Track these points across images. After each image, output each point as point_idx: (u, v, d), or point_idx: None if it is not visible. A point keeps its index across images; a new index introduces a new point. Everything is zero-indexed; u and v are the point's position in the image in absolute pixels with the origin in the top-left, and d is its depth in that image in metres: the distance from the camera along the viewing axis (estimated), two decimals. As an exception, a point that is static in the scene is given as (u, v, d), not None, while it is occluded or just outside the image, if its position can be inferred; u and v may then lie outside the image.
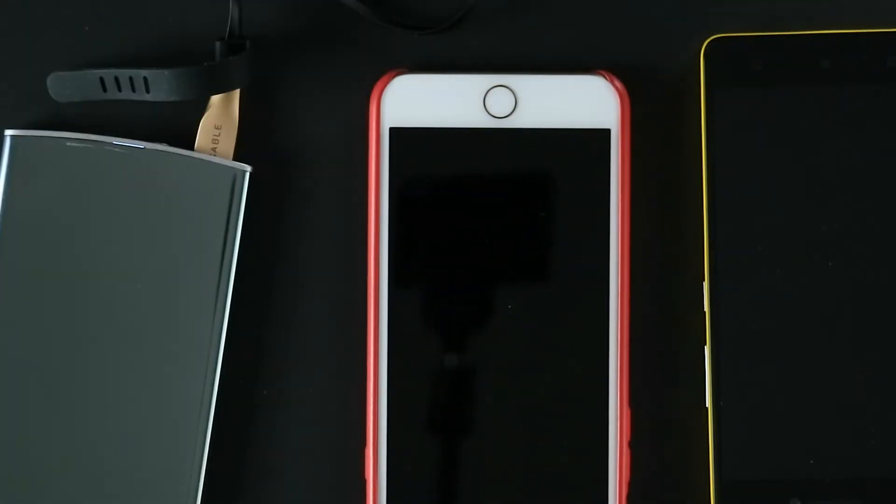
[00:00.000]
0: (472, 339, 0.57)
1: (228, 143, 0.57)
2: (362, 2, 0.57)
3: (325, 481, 0.59)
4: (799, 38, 0.57)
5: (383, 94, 0.57)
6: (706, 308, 0.57)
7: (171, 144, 0.57)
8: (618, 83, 0.57)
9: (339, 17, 0.59)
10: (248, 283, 0.58)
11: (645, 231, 0.58)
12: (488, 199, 0.57)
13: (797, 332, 0.57)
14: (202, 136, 0.57)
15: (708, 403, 0.57)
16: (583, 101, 0.57)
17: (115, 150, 0.57)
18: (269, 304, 0.59)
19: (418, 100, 0.57)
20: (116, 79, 0.57)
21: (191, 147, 0.57)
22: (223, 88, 0.57)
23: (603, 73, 0.57)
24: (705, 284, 0.57)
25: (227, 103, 0.57)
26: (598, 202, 0.57)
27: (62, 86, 0.57)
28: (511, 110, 0.57)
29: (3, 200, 0.57)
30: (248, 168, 0.57)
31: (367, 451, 0.57)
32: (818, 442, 0.56)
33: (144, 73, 0.56)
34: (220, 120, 0.57)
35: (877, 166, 0.57)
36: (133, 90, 0.57)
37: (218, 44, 0.57)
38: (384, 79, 0.57)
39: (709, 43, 0.58)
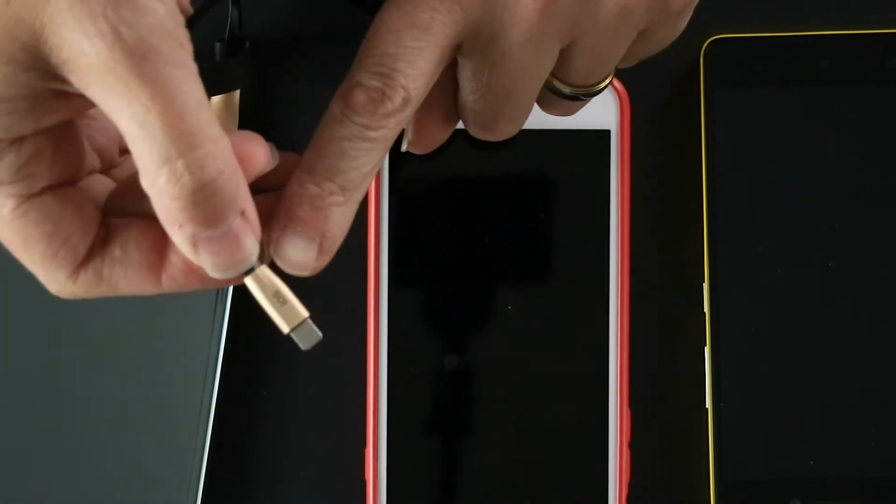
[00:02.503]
0: (471, 340, 0.57)
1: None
2: (365, 3, 0.57)
3: (325, 481, 0.59)
4: (799, 39, 0.57)
5: (383, 94, 0.57)
6: (706, 308, 0.57)
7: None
8: (618, 83, 0.57)
9: (339, 18, 0.59)
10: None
11: (645, 231, 0.58)
12: (488, 199, 0.57)
13: (797, 333, 0.57)
14: (202, 137, 0.57)
15: (708, 404, 0.57)
16: (583, 102, 0.57)
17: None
18: (269, 304, 0.59)
19: (418, 100, 0.57)
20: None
21: (191, 147, 0.57)
22: (223, 89, 0.56)
23: (603, 73, 0.57)
24: (705, 285, 0.57)
25: (227, 103, 0.57)
26: (598, 202, 0.57)
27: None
28: (511, 110, 0.57)
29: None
30: (248, 168, 0.57)
31: (367, 451, 0.57)
32: (818, 442, 0.56)
33: (144, 73, 0.56)
34: (220, 120, 0.57)
35: (877, 166, 0.57)
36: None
37: (218, 45, 0.57)
38: (384, 79, 0.57)
39: (709, 43, 0.58)
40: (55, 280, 0.42)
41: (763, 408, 0.56)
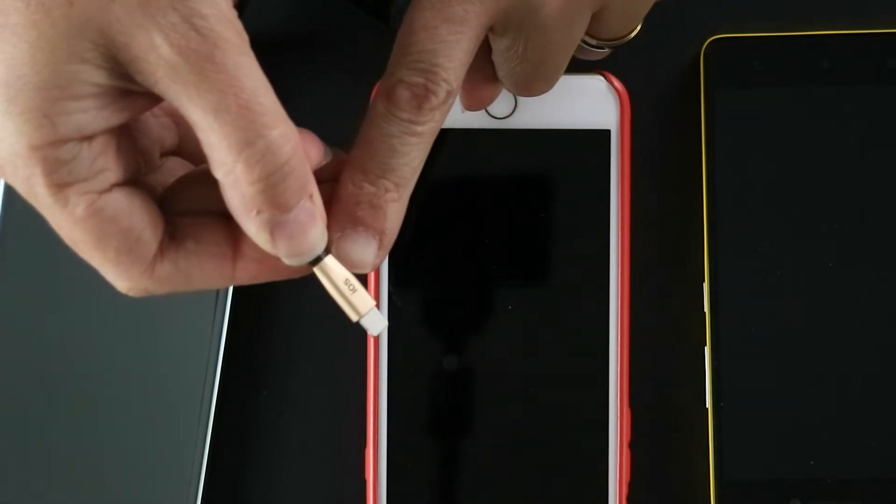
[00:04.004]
0: (471, 340, 0.57)
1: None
2: (365, 3, 0.57)
3: (325, 481, 0.59)
4: (799, 38, 0.57)
5: (383, 94, 0.57)
6: (706, 308, 0.57)
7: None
8: (618, 83, 0.57)
9: (339, 18, 0.59)
10: (248, 283, 0.58)
11: (645, 231, 0.58)
12: (488, 199, 0.57)
13: (797, 333, 0.57)
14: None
15: (708, 404, 0.57)
16: (583, 102, 0.57)
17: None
18: (268, 304, 0.59)
19: (418, 100, 0.57)
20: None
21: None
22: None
23: (603, 73, 0.57)
24: (705, 285, 0.57)
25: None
26: (598, 202, 0.57)
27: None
28: (511, 111, 0.57)
29: (3, 200, 0.57)
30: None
31: (367, 452, 0.57)
32: (818, 442, 0.56)
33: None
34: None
35: (876, 166, 0.57)
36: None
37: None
38: (384, 79, 0.57)
39: (709, 43, 0.58)
40: (129, 276, 0.43)
41: (763, 408, 0.56)
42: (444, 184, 0.57)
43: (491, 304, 0.57)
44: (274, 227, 0.41)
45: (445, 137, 0.57)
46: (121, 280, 0.43)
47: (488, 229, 0.57)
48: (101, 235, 0.42)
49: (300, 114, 0.59)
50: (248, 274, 0.44)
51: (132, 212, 0.42)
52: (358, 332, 0.57)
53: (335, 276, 0.43)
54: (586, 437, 0.57)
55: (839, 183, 0.57)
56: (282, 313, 0.59)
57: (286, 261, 0.42)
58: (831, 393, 0.56)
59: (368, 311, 0.43)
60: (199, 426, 0.57)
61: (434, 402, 0.57)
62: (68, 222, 0.41)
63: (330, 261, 0.43)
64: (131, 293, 0.44)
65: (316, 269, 0.43)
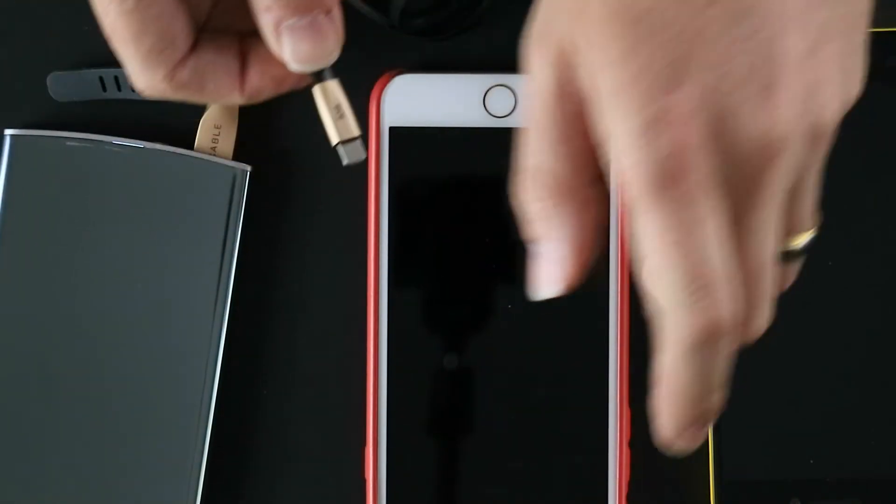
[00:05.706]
0: (471, 340, 0.57)
1: (228, 142, 0.57)
2: (366, 3, 0.57)
3: (325, 481, 0.59)
4: (799, 38, 0.57)
5: (383, 93, 0.57)
6: (706, 308, 0.57)
7: (170, 144, 0.57)
8: (618, 83, 0.57)
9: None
10: (249, 282, 0.58)
11: (645, 231, 0.58)
12: (488, 198, 0.57)
13: (797, 333, 0.57)
14: (202, 136, 0.57)
15: (708, 403, 0.57)
16: (583, 101, 0.57)
17: (115, 149, 0.57)
18: (269, 303, 0.59)
19: (418, 100, 0.57)
20: (116, 78, 0.57)
21: (191, 147, 0.57)
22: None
23: (603, 72, 0.57)
24: (705, 284, 0.57)
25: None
26: (598, 202, 0.57)
27: (62, 85, 0.57)
28: (511, 110, 0.57)
29: (3, 200, 0.57)
30: (248, 168, 0.57)
31: (367, 451, 0.57)
32: (818, 442, 0.56)
33: (144, 72, 0.56)
34: (219, 119, 0.57)
35: (876, 166, 0.57)
36: (132, 89, 0.56)
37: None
38: (384, 78, 0.57)
39: (709, 43, 0.57)
40: (152, 77, 0.46)
41: (763, 408, 0.56)
42: (445, 183, 0.57)
43: (491, 303, 0.57)
44: (281, 29, 0.44)
45: (445, 137, 0.57)
46: (143, 77, 0.46)
47: (488, 229, 0.57)
48: (142, 30, 0.45)
49: (300, 114, 0.59)
50: (253, 86, 0.48)
51: (174, 16, 0.45)
52: (358, 332, 0.57)
53: (328, 99, 0.46)
54: (586, 436, 0.57)
55: (838, 183, 0.57)
56: (282, 313, 0.59)
57: (292, 66, 0.45)
58: (831, 393, 0.56)
59: (349, 140, 0.46)
60: (199, 426, 0.57)
61: (434, 401, 0.57)
62: (115, 11, 0.44)
63: (331, 84, 0.46)
64: (147, 92, 0.47)
65: (315, 88, 0.46)
